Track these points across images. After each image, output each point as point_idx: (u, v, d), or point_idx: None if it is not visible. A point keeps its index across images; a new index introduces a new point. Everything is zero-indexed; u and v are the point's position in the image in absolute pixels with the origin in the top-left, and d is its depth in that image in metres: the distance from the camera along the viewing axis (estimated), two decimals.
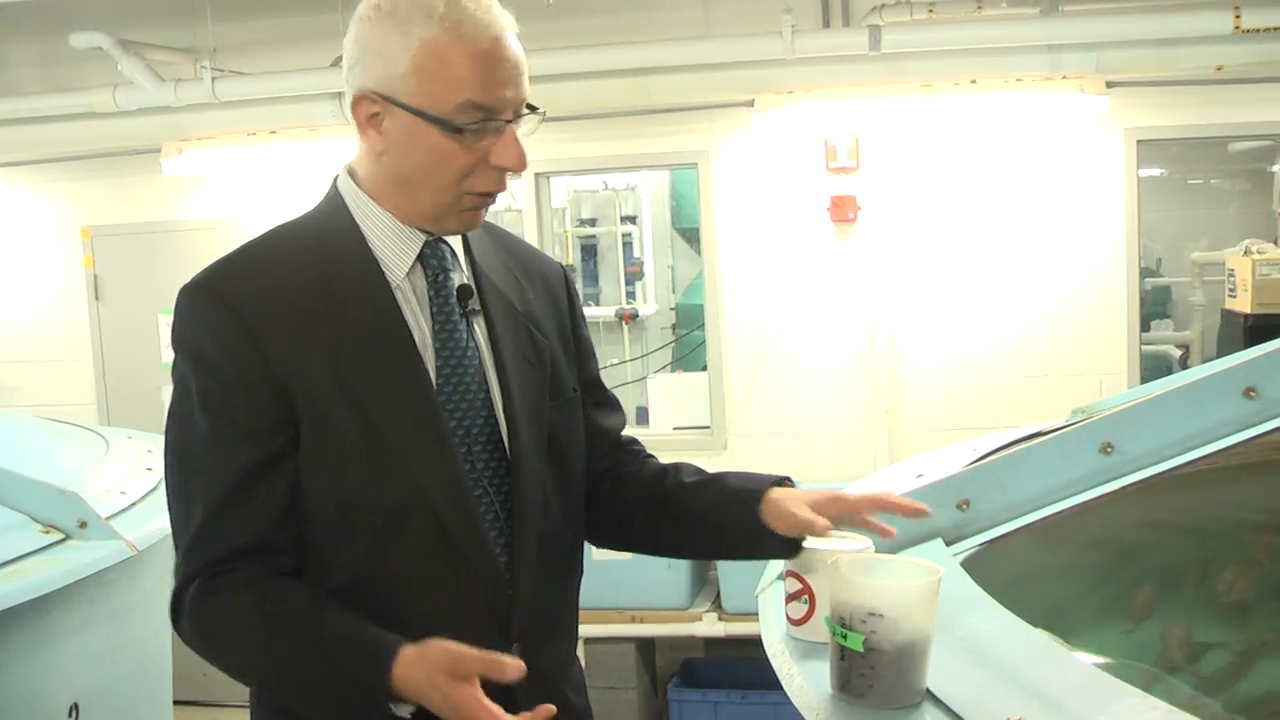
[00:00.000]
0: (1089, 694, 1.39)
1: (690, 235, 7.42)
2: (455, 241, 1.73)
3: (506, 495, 1.69)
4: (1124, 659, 1.84)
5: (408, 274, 1.67)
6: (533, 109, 1.64)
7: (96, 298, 5.82)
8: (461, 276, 1.72)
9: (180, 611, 1.59)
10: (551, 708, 1.45)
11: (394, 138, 1.61)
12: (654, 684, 5.29)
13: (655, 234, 7.84)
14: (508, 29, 1.59)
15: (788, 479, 1.78)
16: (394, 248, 1.66)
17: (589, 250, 7.80)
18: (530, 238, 5.48)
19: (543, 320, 1.80)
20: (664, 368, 7.06)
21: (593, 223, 7.76)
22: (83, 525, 2.68)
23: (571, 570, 1.84)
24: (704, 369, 5.60)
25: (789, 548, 1.69)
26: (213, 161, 5.37)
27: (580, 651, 1.91)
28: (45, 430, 3.80)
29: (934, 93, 4.71)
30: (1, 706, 2.50)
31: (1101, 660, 1.79)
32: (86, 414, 5.61)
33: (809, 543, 1.66)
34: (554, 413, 1.76)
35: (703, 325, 5.57)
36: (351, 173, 1.71)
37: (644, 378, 6.50)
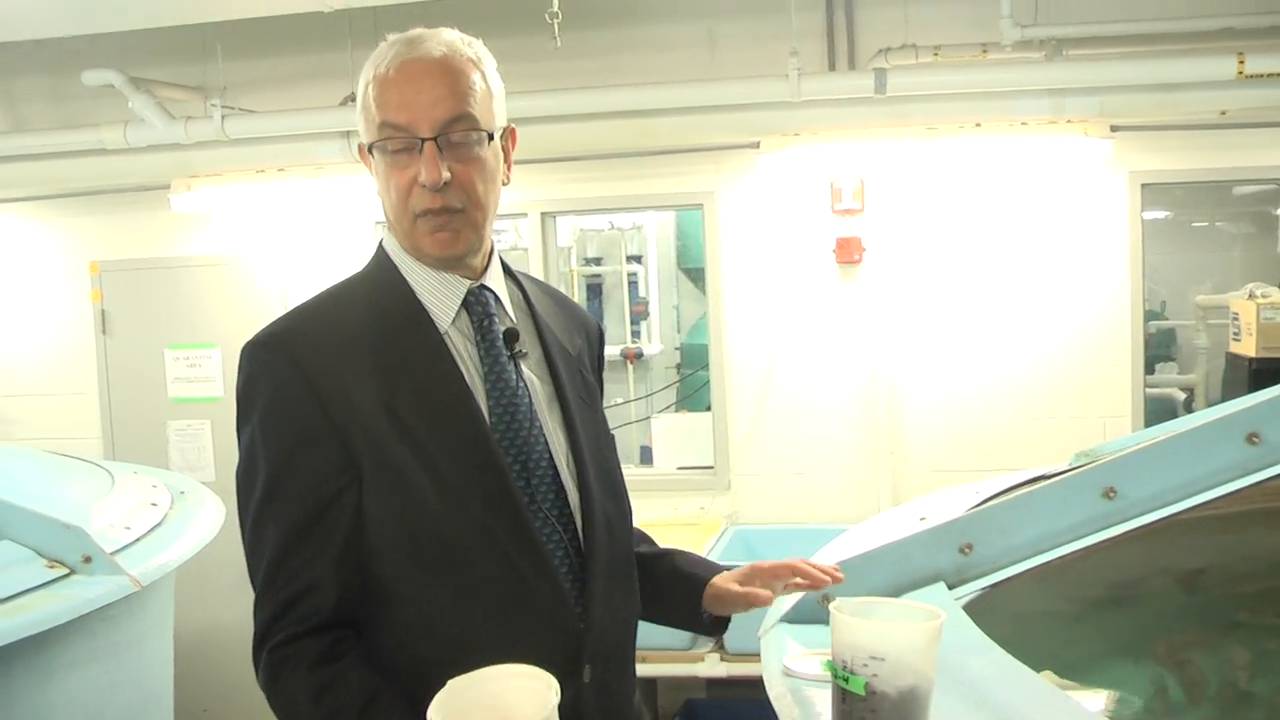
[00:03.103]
0: None
1: (695, 275, 7.43)
2: (501, 290, 1.84)
3: (570, 525, 1.77)
4: (1125, 702, 1.84)
5: (454, 320, 1.76)
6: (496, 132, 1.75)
7: (104, 332, 5.83)
8: (507, 321, 1.82)
9: (260, 658, 1.68)
10: None
11: (374, 176, 1.76)
12: None
13: (661, 273, 7.86)
14: (435, 53, 1.68)
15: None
16: (439, 296, 1.77)
17: (594, 289, 7.82)
18: (535, 276, 5.49)
19: (587, 365, 1.95)
20: (668, 407, 7.05)
21: (598, 262, 7.77)
22: (87, 560, 2.69)
23: (635, 598, 1.92)
24: (708, 409, 5.60)
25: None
26: (221, 198, 5.39)
27: None
28: (51, 464, 3.81)
29: (939, 135, 4.73)
30: None
31: (1103, 704, 1.79)
32: (92, 448, 5.59)
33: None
34: (606, 448, 1.89)
35: (707, 365, 5.57)
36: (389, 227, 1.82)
37: (648, 417, 6.49)
